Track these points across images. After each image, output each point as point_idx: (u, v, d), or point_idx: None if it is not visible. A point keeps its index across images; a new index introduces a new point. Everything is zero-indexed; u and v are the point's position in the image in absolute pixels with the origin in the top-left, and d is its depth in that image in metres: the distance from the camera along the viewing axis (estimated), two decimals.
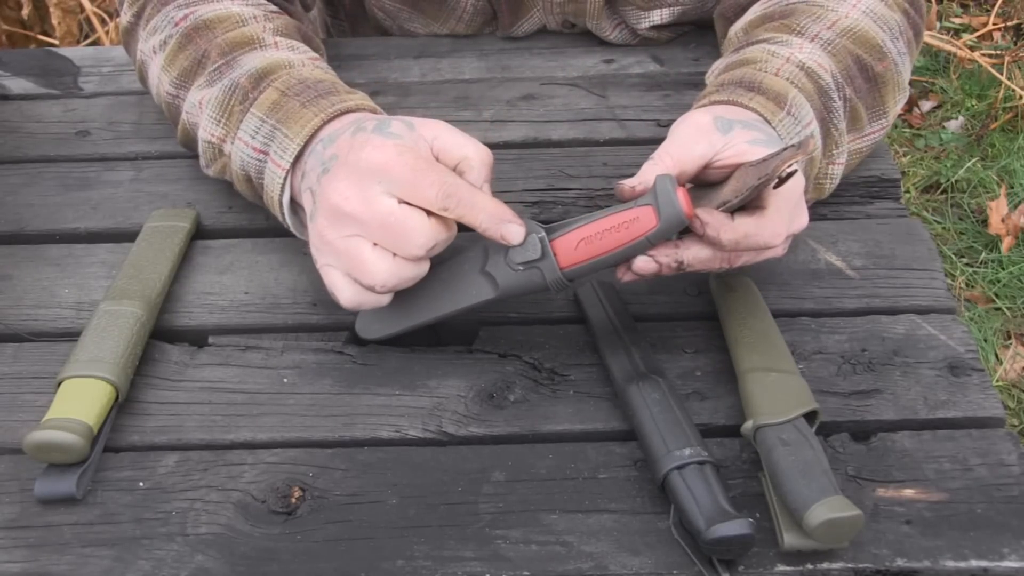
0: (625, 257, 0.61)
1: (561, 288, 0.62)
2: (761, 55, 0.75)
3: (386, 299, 0.63)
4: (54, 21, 1.88)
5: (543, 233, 0.61)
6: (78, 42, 1.95)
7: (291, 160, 0.67)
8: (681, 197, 0.58)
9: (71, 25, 1.89)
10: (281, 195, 0.69)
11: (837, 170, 0.76)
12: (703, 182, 0.66)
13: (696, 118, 0.66)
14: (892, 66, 0.78)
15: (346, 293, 0.62)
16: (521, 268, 0.62)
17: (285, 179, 0.68)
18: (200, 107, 0.75)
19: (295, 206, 0.70)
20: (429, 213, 0.60)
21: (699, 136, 0.64)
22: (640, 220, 0.59)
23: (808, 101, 0.71)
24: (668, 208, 0.58)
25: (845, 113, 0.75)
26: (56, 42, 1.92)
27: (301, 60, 0.75)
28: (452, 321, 0.67)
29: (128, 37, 0.88)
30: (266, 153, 0.69)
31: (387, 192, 0.60)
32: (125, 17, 0.86)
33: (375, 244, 0.60)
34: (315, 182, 0.64)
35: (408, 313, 0.67)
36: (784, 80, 0.72)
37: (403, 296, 0.65)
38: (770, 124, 0.68)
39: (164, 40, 0.80)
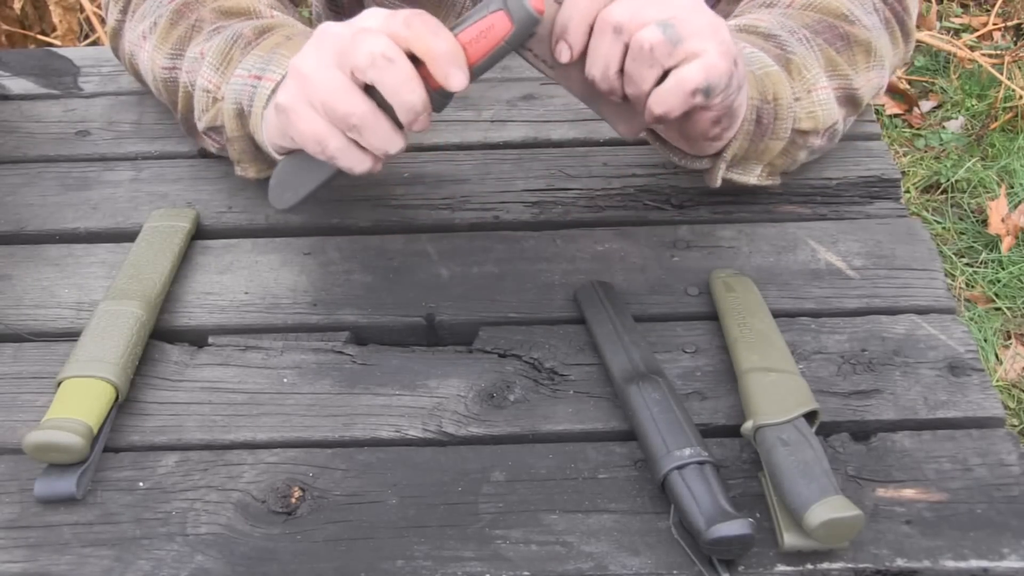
0: (492, 63, 0.62)
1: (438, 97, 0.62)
2: None
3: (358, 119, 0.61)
4: (54, 19, 1.88)
5: None
6: (79, 40, 1.95)
7: (284, 72, 0.67)
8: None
9: (71, 23, 1.89)
10: (266, 106, 0.68)
11: (823, 95, 0.74)
12: None
13: None
14: (864, 31, 0.77)
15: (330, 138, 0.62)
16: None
17: (274, 89, 0.68)
18: (201, 57, 0.75)
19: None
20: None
21: None
22: (496, 27, 0.60)
23: (746, 43, 0.70)
24: (517, 10, 0.60)
25: (810, 49, 0.74)
26: (56, 41, 1.92)
27: (303, 24, 0.77)
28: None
29: (116, 39, 0.88)
30: (260, 77, 0.69)
31: (338, 64, 0.60)
32: (112, 18, 0.87)
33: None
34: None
35: (313, 172, 0.66)
36: None
37: (305, 157, 0.65)
38: None
39: (154, 22, 0.80)
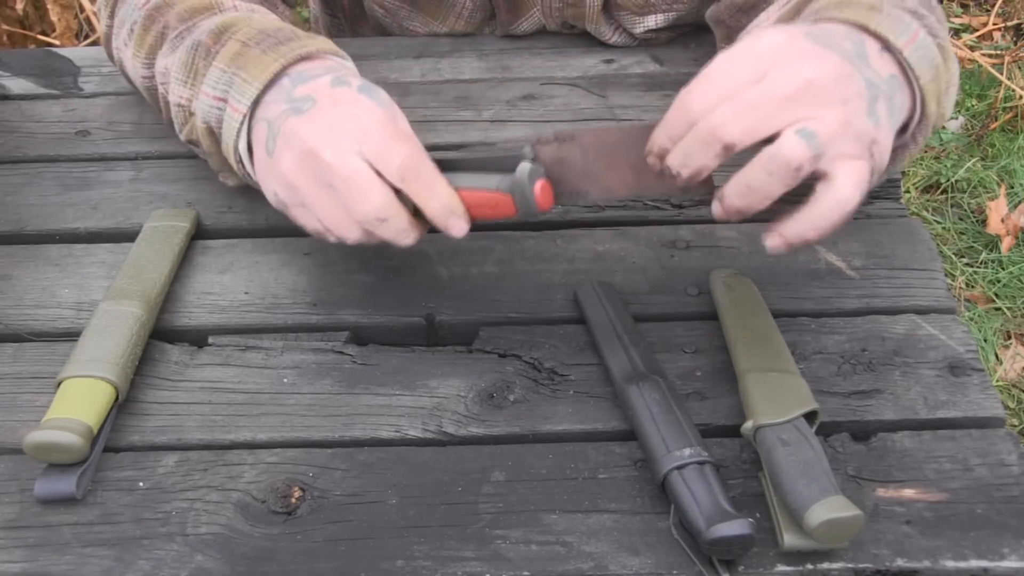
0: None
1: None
2: None
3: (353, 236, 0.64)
4: (52, 18, 1.88)
5: None
6: (78, 39, 1.95)
7: (249, 103, 0.67)
8: (538, 191, 0.60)
9: (69, 21, 1.89)
10: (237, 140, 0.68)
11: (954, 92, 0.69)
12: None
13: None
14: (942, 12, 0.73)
15: (313, 227, 0.64)
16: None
17: (242, 123, 0.67)
18: (167, 71, 0.75)
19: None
20: (398, 193, 0.62)
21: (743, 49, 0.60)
22: (502, 205, 0.62)
23: (918, 25, 0.63)
24: (523, 205, 0.62)
25: (943, 29, 0.69)
26: (55, 41, 1.92)
27: (262, 14, 0.76)
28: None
29: (108, 43, 0.88)
30: (225, 100, 0.69)
31: (360, 153, 0.61)
32: (103, 24, 0.87)
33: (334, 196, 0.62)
34: (279, 118, 0.65)
35: None
36: None
37: None
38: (867, 30, 0.60)
39: (131, 28, 0.80)
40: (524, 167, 0.61)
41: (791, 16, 0.72)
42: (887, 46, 0.61)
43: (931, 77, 0.63)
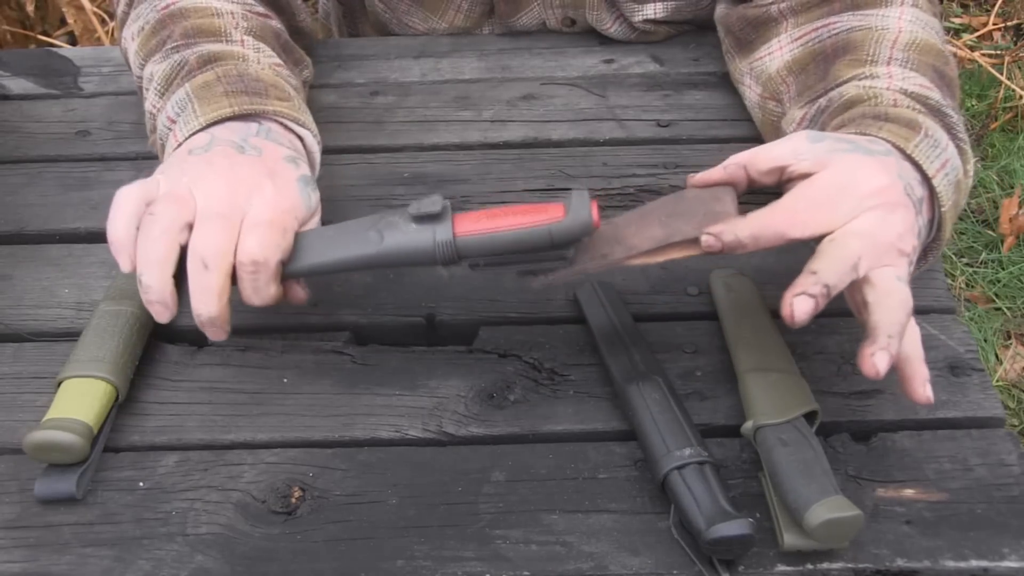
0: (522, 242, 0.59)
1: (449, 258, 0.60)
2: (863, 93, 0.69)
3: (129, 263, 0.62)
4: (69, 20, 1.88)
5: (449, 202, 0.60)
6: (97, 39, 1.94)
7: (187, 135, 0.68)
8: (593, 205, 0.59)
9: (87, 22, 1.89)
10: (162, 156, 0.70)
11: (969, 182, 0.70)
12: (776, 190, 0.62)
13: (796, 131, 0.63)
14: (952, 69, 0.74)
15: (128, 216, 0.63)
16: (414, 225, 0.60)
17: (176, 148, 0.68)
18: (151, 79, 0.76)
19: None
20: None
21: (785, 140, 0.62)
22: (548, 212, 0.59)
23: (935, 127, 0.65)
24: (578, 209, 0.59)
25: (963, 124, 0.70)
26: (56, 41, 1.92)
27: (257, 59, 0.76)
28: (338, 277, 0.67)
29: (120, 29, 0.88)
30: (174, 122, 0.70)
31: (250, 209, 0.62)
32: (119, 9, 0.87)
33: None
34: (223, 142, 0.66)
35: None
36: (907, 109, 0.66)
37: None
38: (903, 152, 0.62)
39: (141, 26, 0.81)
40: (580, 189, 0.60)
41: (818, 113, 0.73)
42: (920, 171, 0.63)
43: (953, 202, 0.65)
